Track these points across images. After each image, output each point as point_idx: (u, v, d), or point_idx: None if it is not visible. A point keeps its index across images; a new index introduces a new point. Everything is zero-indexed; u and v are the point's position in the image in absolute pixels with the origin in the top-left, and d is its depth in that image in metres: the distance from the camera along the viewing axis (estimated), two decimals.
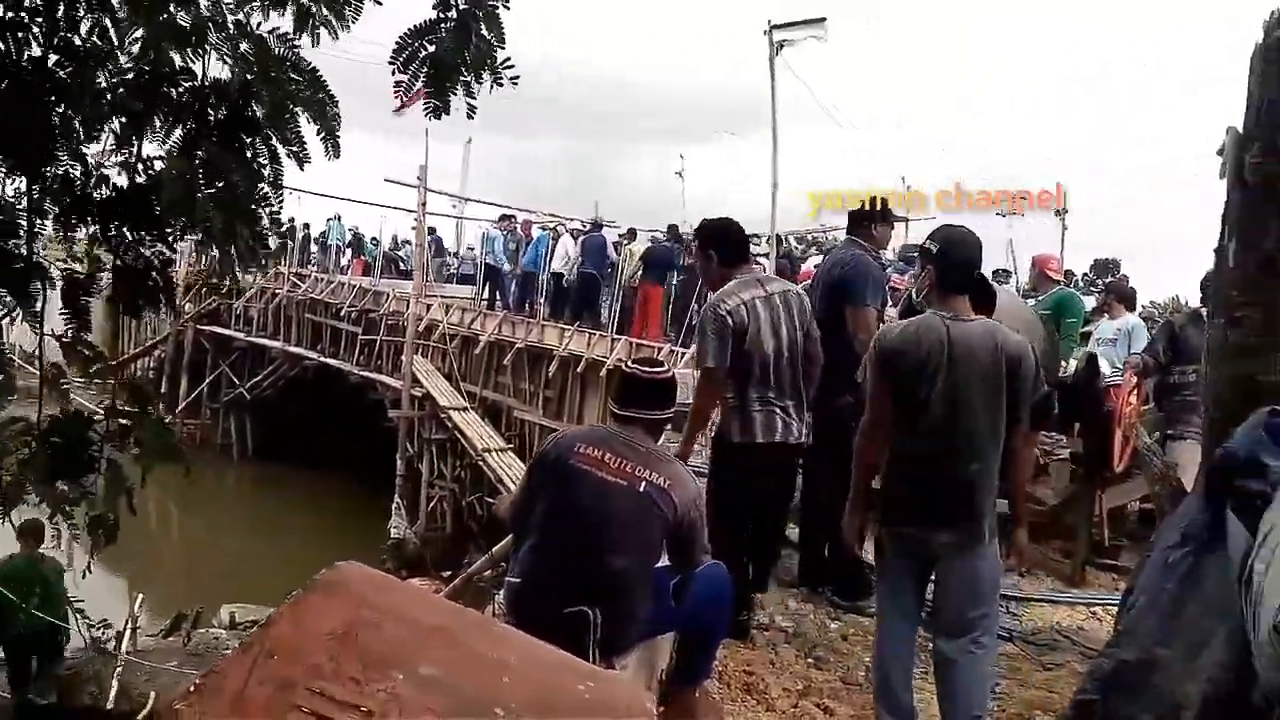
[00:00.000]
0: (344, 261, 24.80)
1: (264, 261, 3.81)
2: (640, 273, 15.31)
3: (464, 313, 17.82)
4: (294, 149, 2.94)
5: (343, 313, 19.68)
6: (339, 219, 24.53)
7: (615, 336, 14.42)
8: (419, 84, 2.85)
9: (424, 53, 2.81)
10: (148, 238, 3.01)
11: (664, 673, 3.53)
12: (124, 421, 3.12)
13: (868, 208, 4.94)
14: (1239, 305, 3.69)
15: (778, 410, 4.09)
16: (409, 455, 16.42)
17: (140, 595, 9.50)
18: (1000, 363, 3.03)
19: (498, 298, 18.10)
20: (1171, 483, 4.22)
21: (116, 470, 3.04)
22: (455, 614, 2.31)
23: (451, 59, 2.78)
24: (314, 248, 25.18)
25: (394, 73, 2.86)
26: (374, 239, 25.50)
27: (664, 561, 3.11)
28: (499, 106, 3.49)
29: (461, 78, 2.82)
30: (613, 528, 2.88)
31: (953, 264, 3.24)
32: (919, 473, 3.18)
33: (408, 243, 24.71)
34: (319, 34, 2.92)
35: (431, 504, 16.05)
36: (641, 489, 2.88)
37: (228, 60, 2.79)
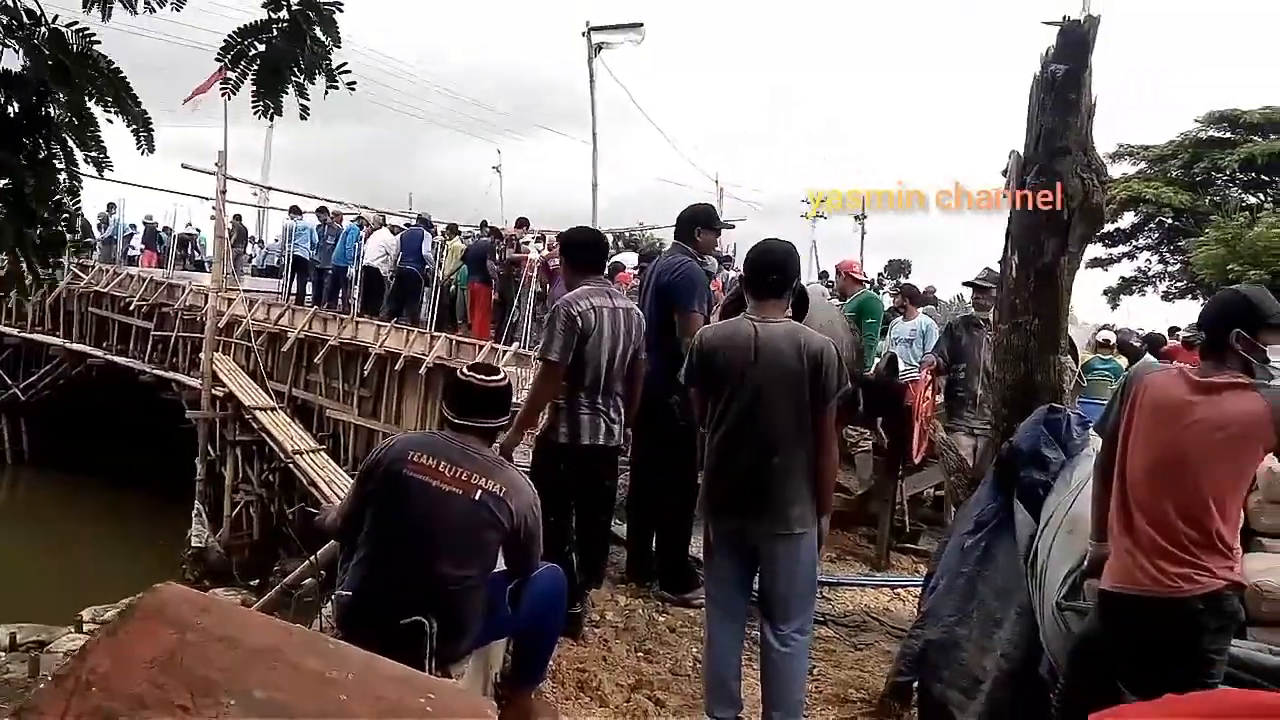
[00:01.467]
0: (133, 252, 22.96)
1: (56, 270, 3.50)
2: (461, 270, 15.08)
3: (270, 308, 16.94)
4: (93, 154, 2.72)
5: (132, 307, 18.25)
6: (110, 208, 22.60)
7: (434, 334, 14.13)
8: (247, 81, 2.71)
9: (254, 51, 2.68)
10: None
11: (498, 675, 3.53)
12: None
13: (692, 213, 5.08)
14: (1020, 313, 4.10)
15: (601, 416, 4.24)
16: (210, 459, 15.42)
17: None
18: (802, 360, 3.22)
19: (307, 291, 17.30)
20: (966, 474, 4.61)
21: None
22: (285, 632, 2.23)
23: (283, 60, 2.66)
24: (97, 235, 23.10)
25: (221, 69, 2.72)
26: (166, 228, 23.74)
27: (499, 566, 3.11)
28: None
29: (294, 78, 2.71)
30: (448, 536, 2.85)
31: (762, 271, 3.45)
32: (727, 465, 3.38)
33: (200, 230, 23.29)
34: (111, 8, 2.72)
35: (236, 510, 15.14)
36: (477, 497, 2.86)
37: (19, 52, 2.54)
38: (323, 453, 14.41)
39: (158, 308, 17.96)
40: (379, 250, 15.65)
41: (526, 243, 14.56)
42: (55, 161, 2.61)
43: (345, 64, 2.77)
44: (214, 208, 17.16)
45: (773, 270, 3.45)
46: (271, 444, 14.45)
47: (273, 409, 15.10)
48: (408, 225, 16.76)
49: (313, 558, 6.36)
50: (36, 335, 19.65)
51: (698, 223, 5.01)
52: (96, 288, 18.86)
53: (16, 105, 2.51)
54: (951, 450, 4.92)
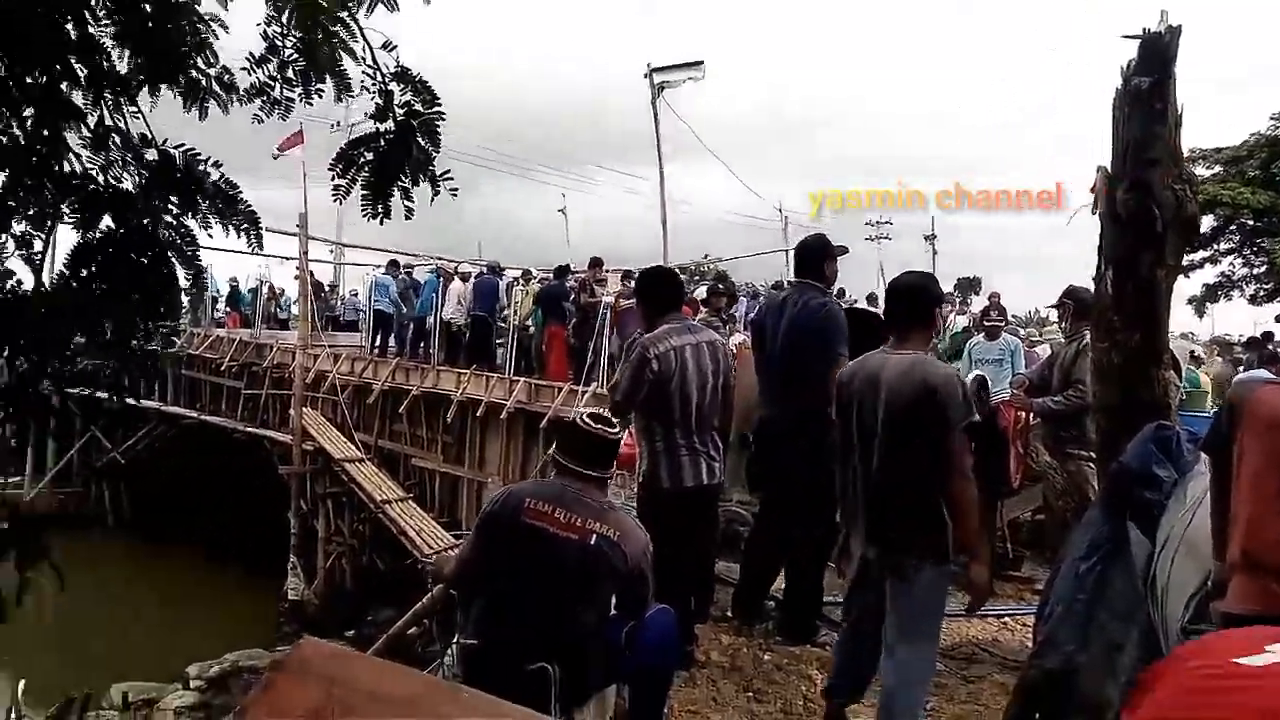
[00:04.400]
0: (218, 315, 23.93)
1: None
2: (536, 314, 15.29)
3: (354, 362, 17.42)
4: (191, 274, 2.85)
5: (223, 368, 18.97)
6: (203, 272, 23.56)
7: (514, 379, 14.35)
8: (357, 187, 2.89)
9: (362, 159, 2.86)
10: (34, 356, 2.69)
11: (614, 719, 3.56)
12: None
13: (815, 246, 4.84)
14: (1119, 329, 4.03)
15: (702, 455, 4.26)
16: (303, 512, 15.86)
17: (22, 681, 8.85)
18: (923, 391, 3.23)
19: (391, 344, 17.73)
20: (1073, 497, 4.51)
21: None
22: (425, 684, 2.32)
23: (390, 167, 2.82)
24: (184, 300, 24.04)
25: (333, 178, 2.90)
26: (251, 289, 24.67)
27: (613, 610, 3.16)
28: None
29: (400, 184, 2.87)
30: (567, 583, 2.92)
31: (894, 302, 3.56)
32: (856, 495, 3.45)
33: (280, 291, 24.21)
34: (208, 107, 2.90)
35: (329, 561, 15.52)
36: (593, 542, 2.93)
37: (131, 172, 2.64)
38: (410, 500, 14.71)
39: (247, 367, 18.64)
40: (454, 299, 16.00)
41: (602, 282, 14.68)
42: (157, 277, 2.70)
43: (449, 170, 2.91)
44: (298, 268, 17.79)
45: (905, 301, 3.52)
46: (361, 495, 14.80)
47: (361, 460, 15.49)
48: (480, 274, 17.09)
49: (414, 609, 6.48)
50: (131, 400, 20.42)
51: (826, 255, 4.76)
52: (189, 351, 19.59)
53: (128, 225, 2.59)
54: (1056, 474, 4.80)
